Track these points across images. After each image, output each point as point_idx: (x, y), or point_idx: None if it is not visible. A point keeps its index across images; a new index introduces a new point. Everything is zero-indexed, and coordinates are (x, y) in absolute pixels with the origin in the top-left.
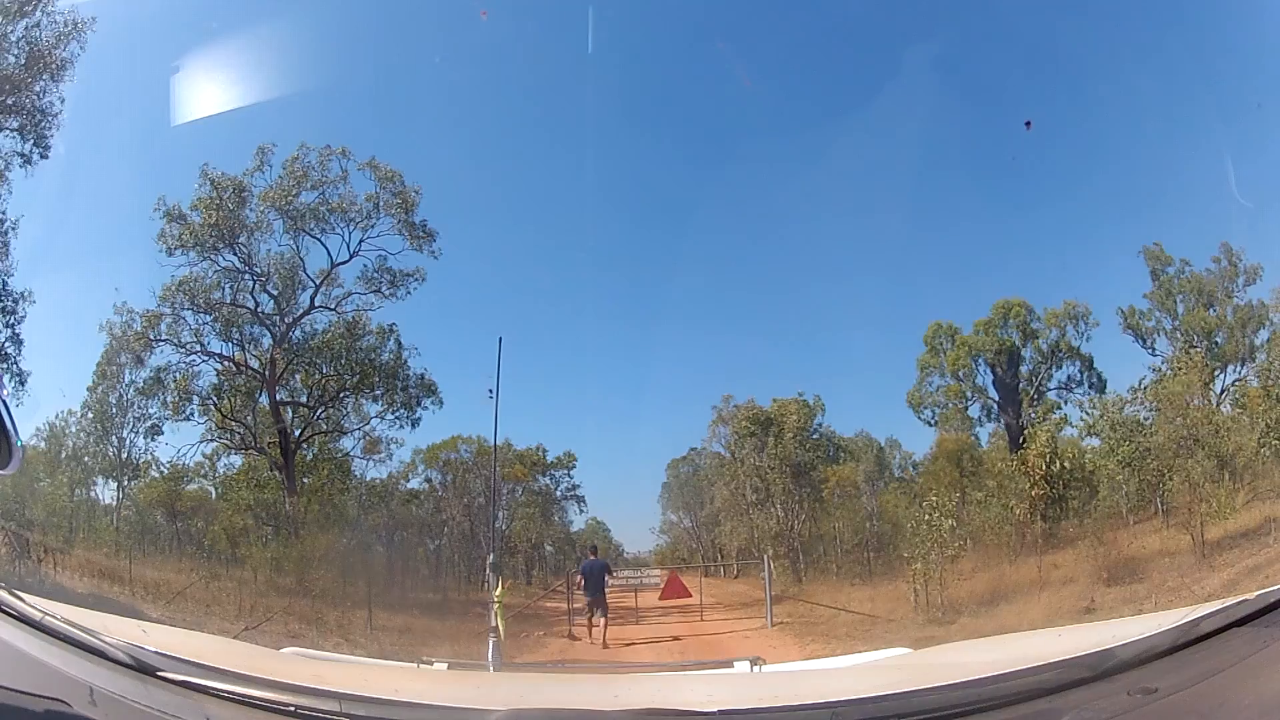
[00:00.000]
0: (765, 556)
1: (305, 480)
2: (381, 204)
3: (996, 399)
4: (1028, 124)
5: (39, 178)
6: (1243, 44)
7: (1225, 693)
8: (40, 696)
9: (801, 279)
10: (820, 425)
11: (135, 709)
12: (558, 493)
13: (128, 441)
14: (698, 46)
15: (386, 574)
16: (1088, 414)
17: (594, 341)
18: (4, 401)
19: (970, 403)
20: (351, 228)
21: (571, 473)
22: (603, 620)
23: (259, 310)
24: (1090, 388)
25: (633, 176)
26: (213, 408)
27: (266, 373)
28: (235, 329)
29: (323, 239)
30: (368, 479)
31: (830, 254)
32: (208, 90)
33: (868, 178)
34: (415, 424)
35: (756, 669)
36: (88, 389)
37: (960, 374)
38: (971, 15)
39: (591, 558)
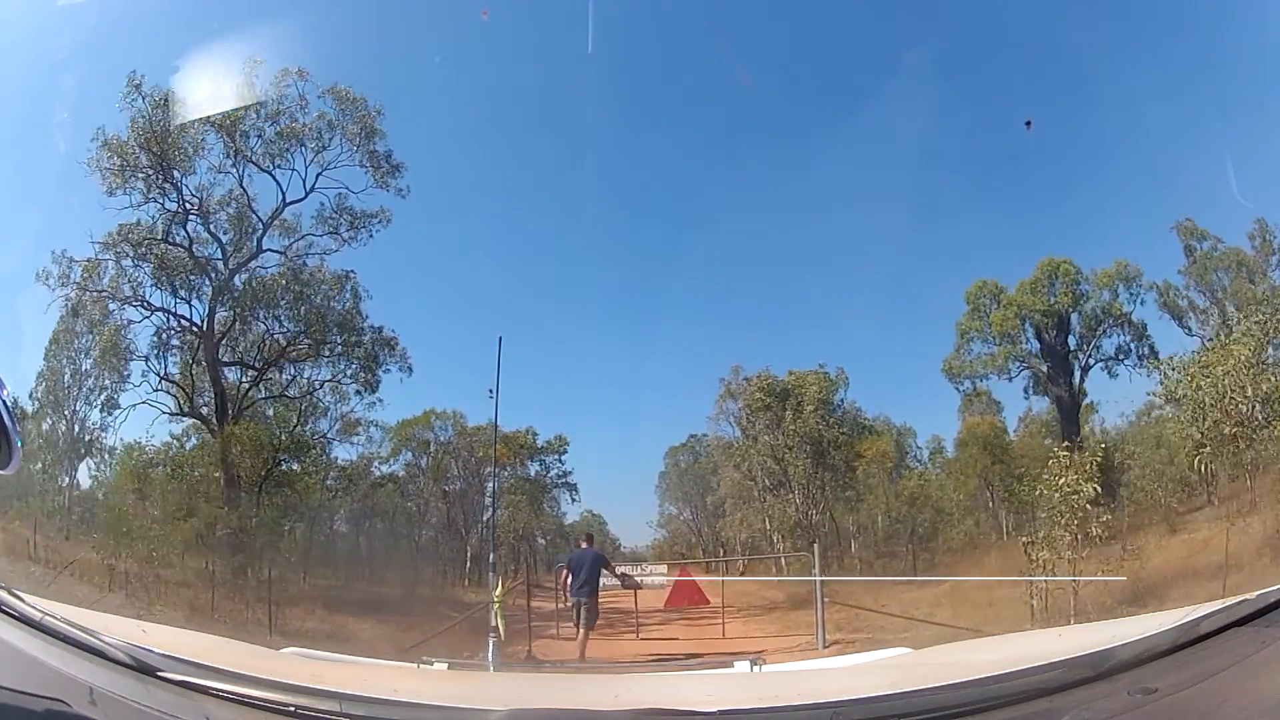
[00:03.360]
0: (814, 548)
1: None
2: (341, 130)
3: (1045, 368)
4: (1028, 124)
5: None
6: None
7: (1225, 693)
8: (40, 696)
9: (806, 266)
10: (843, 401)
11: (135, 709)
12: (548, 479)
13: (81, 413)
14: (697, 46)
15: (337, 564)
16: (1166, 376)
17: (590, 327)
18: (4, 401)
19: (1015, 374)
20: (308, 157)
21: (563, 458)
22: (586, 629)
23: (195, 251)
24: (1140, 359)
25: (632, 174)
26: (149, 368)
27: (205, 325)
28: (173, 276)
29: (273, 172)
30: (338, 461)
31: (835, 244)
32: (208, 90)
33: (875, 167)
34: (374, 386)
35: (756, 668)
36: (43, 358)
37: (1008, 337)
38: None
39: (583, 547)
